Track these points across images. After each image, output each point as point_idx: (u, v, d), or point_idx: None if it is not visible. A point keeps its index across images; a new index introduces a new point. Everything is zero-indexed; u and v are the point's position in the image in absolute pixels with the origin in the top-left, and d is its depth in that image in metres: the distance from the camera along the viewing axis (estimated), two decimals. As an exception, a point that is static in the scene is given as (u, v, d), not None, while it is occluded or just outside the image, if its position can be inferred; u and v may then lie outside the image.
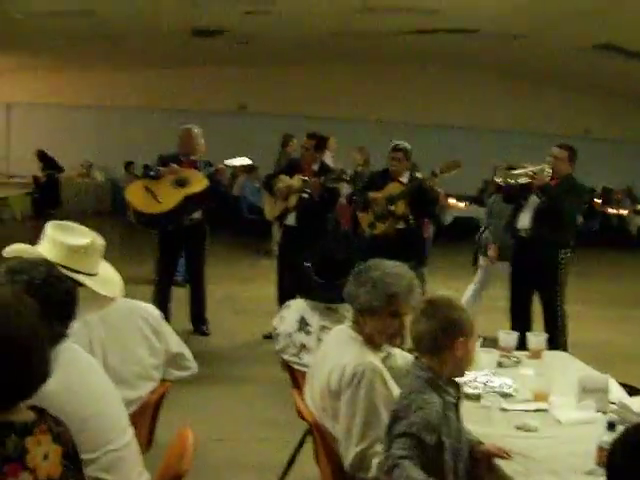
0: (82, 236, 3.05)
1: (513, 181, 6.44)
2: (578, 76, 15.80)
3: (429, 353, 2.79)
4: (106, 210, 16.84)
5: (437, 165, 6.96)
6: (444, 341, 2.76)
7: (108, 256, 3.27)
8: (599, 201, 16.27)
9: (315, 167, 7.44)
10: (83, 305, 2.76)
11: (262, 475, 4.38)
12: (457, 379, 2.88)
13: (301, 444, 3.85)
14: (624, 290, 11.20)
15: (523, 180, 6.40)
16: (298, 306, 4.03)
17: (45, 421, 2.01)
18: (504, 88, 17.54)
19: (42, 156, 16.58)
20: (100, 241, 3.09)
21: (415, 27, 12.20)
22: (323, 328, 3.82)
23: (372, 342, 3.17)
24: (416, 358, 2.90)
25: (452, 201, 14.89)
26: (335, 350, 3.17)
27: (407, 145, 7.07)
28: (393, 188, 6.92)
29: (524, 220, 6.48)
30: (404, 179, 7.03)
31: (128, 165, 16.14)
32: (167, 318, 7.40)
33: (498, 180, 6.58)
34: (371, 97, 17.47)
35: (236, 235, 13.86)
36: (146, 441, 3.32)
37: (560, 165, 6.36)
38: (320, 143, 7.51)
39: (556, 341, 6.42)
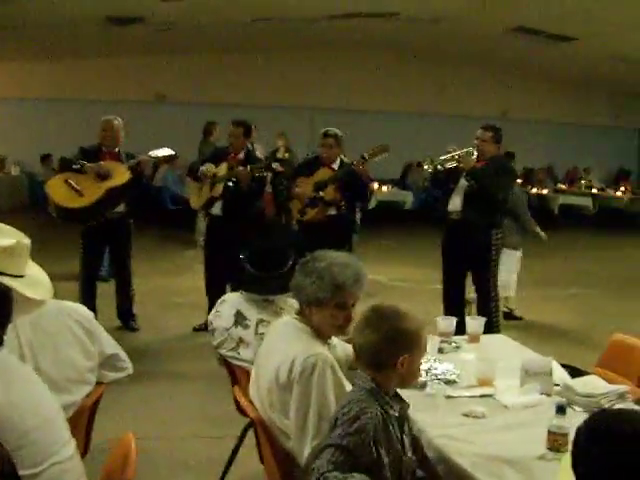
0: (6, 236, 2.89)
1: (440, 167, 6.45)
2: (496, 59, 16.05)
3: (371, 367, 2.64)
4: (23, 205, 16.35)
5: (365, 149, 6.94)
6: (387, 357, 2.60)
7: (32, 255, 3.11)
8: (520, 181, 16.54)
9: (241, 155, 7.33)
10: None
11: (202, 473, 4.28)
12: None
13: (241, 440, 3.77)
14: (552, 269, 11.36)
15: (450, 165, 6.42)
16: (233, 300, 3.93)
17: None
18: (424, 71, 17.71)
19: None
20: (26, 241, 2.93)
21: (334, 12, 12.14)
22: (261, 321, 3.73)
23: (320, 334, 3.09)
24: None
25: (375, 185, 14.97)
26: (282, 343, 3.07)
27: (338, 131, 6.98)
28: (322, 174, 6.86)
29: (455, 203, 6.49)
30: (335, 165, 6.96)
31: (45, 158, 15.68)
32: (93, 314, 7.30)
33: (426, 167, 6.56)
34: (291, 83, 17.42)
35: (160, 227, 13.63)
36: (83, 447, 3.19)
37: (486, 147, 6.40)
38: (247, 131, 7.40)
39: (490, 323, 6.49)
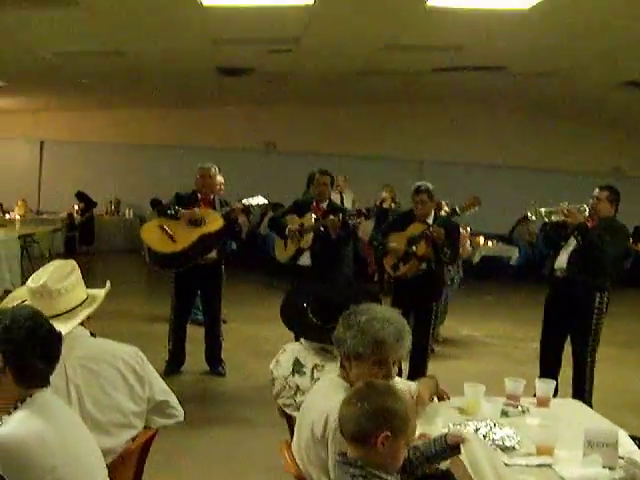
0: (41, 277, 3.04)
1: (546, 218, 6.27)
2: (607, 113, 15.64)
3: (353, 441, 2.49)
4: (135, 247, 16.91)
5: (458, 203, 6.86)
6: (367, 430, 2.44)
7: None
8: (631, 240, 15.93)
9: (324, 205, 7.34)
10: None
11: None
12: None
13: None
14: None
15: (556, 217, 6.23)
16: (293, 349, 3.90)
17: None
18: (532, 126, 17.41)
19: (81, 196, 16.88)
20: (55, 284, 3.03)
21: (440, 64, 12.13)
22: (316, 366, 3.68)
23: None
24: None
25: (480, 239, 14.75)
26: (319, 399, 3.02)
27: (429, 185, 6.86)
28: (414, 228, 6.77)
29: (561, 260, 6.31)
30: (430, 220, 6.84)
31: (154, 202, 16.18)
32: (183, 357, 7.42)
33: (530, 215, 6.39)
34: (399, 135, 17.46)
35: (263, 275, 13.79)
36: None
37: (600, 205, 6.19)
38: (332, 180, 7.44)
39: (582, 390, 6.22)
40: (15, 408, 2.38)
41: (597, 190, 6.26)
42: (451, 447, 2.72)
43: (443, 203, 8.41)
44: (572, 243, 6.24)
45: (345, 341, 3.00)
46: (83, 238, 16.93)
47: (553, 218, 6.25)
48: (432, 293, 6.86)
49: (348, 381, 3.02)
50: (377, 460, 2.45)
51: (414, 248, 6.68)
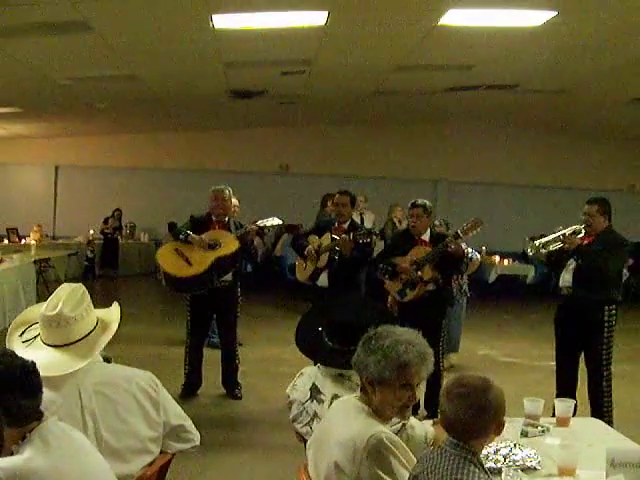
0: (54, 305, 3.02)
1: (544, 250, 6.25)
2: (621, 130, 15.58)
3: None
4: (151, 271, 16.95)
5: (460, 226, 6.81)
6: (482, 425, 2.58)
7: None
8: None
9: (345, 225, 7.32)
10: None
11: None
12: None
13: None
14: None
15: (555, 247, 6.22)
16: (310, 373, 3.85)
17: None
18: (545, 144, 17.38)
19: (119, 212, 17.16)
20: (70, 312, 3.01)
21: (453, 84, 12.14)
22: (336, 397, 3.61)
23: (380, 413, 2.96)
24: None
25: (496, 258, 14.69)
26: (341, 423, 2.97)
27: (427, 202, 6.83)
28: (417, 253, 6.73)
29: (565, 279, 6.30)
30: (426, 237, 6.83)
31: (171, 226, 16.25)
32: (199, 381, 7.39)
33: (530, 253, 6.37)
34: (412, 155, 17.49)
35: (279, 296, 13.78)
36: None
37: (593, 220, 6.17)
38: (352, 200, 7.41)
39: (599, 405, 6.16)
40: (17, 445, 2.36)
41: (587, 206, 6.23)
42: None
43: (437, 222, 8.38)
44: (571, 262, 6.25)
45: (367, 366, 2.95)
46: (105, 261, 16.98)
47: (551, 248, 6.24)
48: (439, 310, 6.82)
49: (369, 405, 2.98)
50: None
51: (419, 273, 6.65)
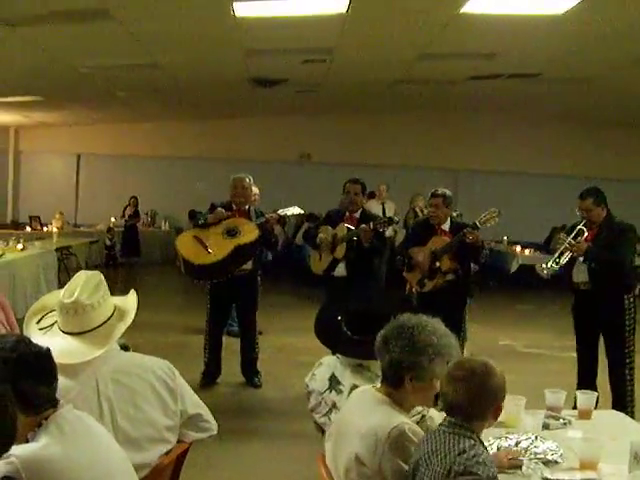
0: (75, 292, 3.01)
1: (556, 265, 6.17)
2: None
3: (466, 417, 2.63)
4: (171, 258, 16.99)
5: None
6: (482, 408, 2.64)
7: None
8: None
9: (357, 215, 7.25)
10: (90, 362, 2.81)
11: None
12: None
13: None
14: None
15: (565, 259, 6.14)
16: (329, 363, 3.82)
17: None
18: (568, 133, 17.21)
19: (135, 200, 17.21)
20: (87, 299, 3.00)
21: (475, 72, 12.03)
22: (355, 387, 3.59)
23: (401, 403, 2.94)
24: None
25: (517, 248, 14.60)
26: (361, 414, 2.93)
27: (447, 191, 6.84)
28: (436, 242, 6.72)
29: (581, 274, 6.21)
30: (445, 227, 6.81)
31: (192, 214, 16.26)
32: (218, 369, 7.39)
33: (543, 274, 6.26)
34: (434, 144, 17.40)
35: (299, 285, 13.75)
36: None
37: (591, 214, 6.10)
38: (363, 188, 7.35)
39: (622, 395, 6.10)
40: (33, 432, 2.35)
41: (580, 202, 6.14)
42: None
43: (454, 214, 8.34)
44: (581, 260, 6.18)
45: (417, 364, 2.90)
46: (127, 249, 17.06)
47: (562, 261, 6.14)
48: (459, 300, 6.80)
49: (390, 396, 2.95)
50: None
51: (437, 264, 6.63)
